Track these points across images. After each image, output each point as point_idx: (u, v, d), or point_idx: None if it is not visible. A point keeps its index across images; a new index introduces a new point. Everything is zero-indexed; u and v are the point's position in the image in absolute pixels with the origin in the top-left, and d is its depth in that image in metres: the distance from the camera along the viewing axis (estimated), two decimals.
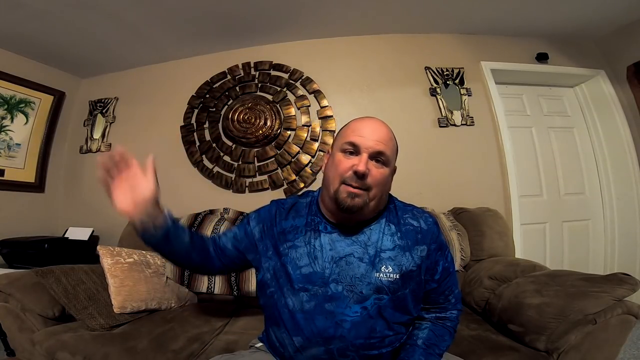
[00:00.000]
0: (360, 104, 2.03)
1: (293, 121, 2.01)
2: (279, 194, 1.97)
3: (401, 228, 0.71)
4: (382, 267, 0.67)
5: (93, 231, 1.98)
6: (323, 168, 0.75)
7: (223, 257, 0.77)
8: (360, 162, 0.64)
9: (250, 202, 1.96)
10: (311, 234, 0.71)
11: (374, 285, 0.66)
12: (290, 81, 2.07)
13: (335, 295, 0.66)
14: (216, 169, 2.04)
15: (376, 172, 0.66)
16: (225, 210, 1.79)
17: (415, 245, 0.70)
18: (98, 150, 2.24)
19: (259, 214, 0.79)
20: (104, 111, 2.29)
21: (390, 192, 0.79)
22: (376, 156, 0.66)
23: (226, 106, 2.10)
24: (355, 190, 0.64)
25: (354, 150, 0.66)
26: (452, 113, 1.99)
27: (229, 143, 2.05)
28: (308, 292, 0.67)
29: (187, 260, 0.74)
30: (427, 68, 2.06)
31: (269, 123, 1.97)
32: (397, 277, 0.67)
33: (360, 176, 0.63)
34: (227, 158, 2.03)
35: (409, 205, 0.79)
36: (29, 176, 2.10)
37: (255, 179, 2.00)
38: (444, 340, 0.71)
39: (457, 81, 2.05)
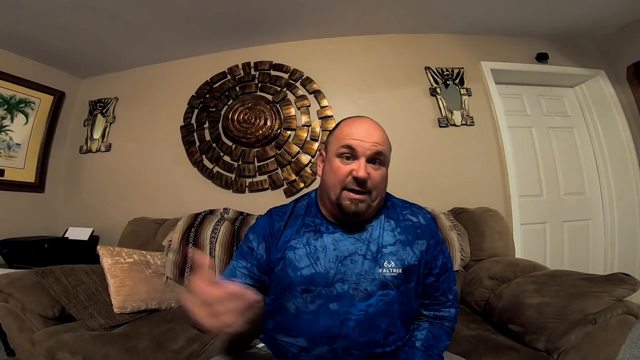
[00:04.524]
0: (360, 104, 2.03)
1: (293, 121, 2.01)
2: (278, 194, 1.97)
3: (400, 224, 0.72)
4: (385, 263, 0.67)
5: (93, 231, 1.98)
6: (319, 172, 0.74)
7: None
8: (360, 168, 0.62)
9: (250, 202, 1.96)
10: (310, 234, 0.71)
11: (378, 281, 0.66)
12: (290, 81, 2.07)
13: (341, 295, 0.65)
14: (216, 169, 2.04)
15: (375, 174, 0.65)
16: (225, 210, 1.80)
17: (415, 240, 0.71)
18: (98, 150, 2.24)
19: (257, 233, 0.75)
20: (104, 111, 2.29)
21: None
22: (374, 158, 0.65)
23: (226, 106, 2.10)
24: (358, 197, 0.64)
25: (351, 154, 0.65)
26: (452, 113, 1.99)
27: (229, 143, 2.05)
28: (311, 293, 0.66)
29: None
30: (427, 68, 2.06)
31: (269, 123, 1.97)
32: (400, 271, 0.67)
33: (361, 182, 0.63)
34: (227, 158, 2.03)
35: (407, 202, 0.80)
36: (29, 176, 2.10)
37: (255, 179, 2.00)
38: (442, 342, 0.71)
39: (457, 81, 2.05)
